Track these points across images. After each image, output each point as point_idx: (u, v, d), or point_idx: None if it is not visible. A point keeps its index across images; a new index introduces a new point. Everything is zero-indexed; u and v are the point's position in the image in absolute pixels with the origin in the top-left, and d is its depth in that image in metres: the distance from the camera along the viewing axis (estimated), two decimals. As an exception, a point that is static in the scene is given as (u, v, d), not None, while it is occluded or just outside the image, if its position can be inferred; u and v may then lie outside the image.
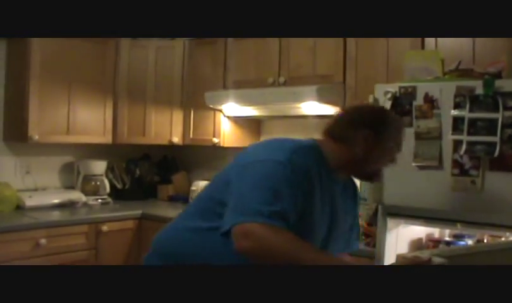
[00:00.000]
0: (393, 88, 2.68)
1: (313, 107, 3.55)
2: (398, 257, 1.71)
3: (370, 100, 2.71)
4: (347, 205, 2.00)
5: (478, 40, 2.85)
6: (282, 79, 3.72)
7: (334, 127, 1.94)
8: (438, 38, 2.98)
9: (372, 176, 1.98)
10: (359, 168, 1.92)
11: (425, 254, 1.65)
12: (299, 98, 3.48)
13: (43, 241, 3.44)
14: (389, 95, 2.67)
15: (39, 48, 3.87)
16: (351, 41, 3.42)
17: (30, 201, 3.97)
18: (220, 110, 4.08)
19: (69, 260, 3.57)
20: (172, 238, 1.92)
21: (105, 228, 3.81)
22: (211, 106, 3.98)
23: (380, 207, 2.73)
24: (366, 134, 1.84)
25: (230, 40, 4.06)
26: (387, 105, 2.63)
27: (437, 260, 1.60)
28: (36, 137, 3.88)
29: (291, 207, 1.68)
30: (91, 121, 4.17)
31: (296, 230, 1.65)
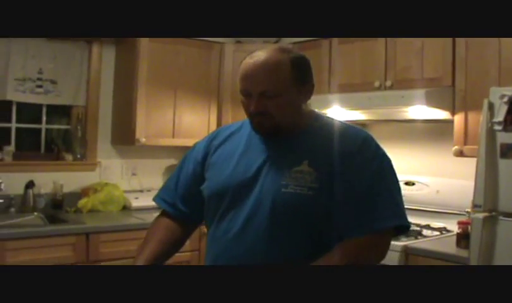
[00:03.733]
0: (509, 91, 2.57)
1: (421, 111, 3.42)
2: None
3: (484, 104, 2.59)
4: None
5: None
6: (388, 83, 3.61)
7: None
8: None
9: None
10: None
11: None
12: (408, 102, 3.36)
13: (148, 241, 3.49)
14: (505, 99, 2.55)
15: (146, 54, 3.98)
16: (460, 42, 3.27)
17: (136, 202, 4.08)
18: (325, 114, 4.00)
19: (174, 260, 3.61)
20: None
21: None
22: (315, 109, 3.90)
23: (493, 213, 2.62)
24: None
25: (335, 43, 3.99)
26: (503, 108, 2.52)
27: None
28: (143, 140, 3.99)
29: None
30: (195, 125, 4.23)
31: None
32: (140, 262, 1.75)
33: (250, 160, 1.76)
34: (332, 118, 1.82)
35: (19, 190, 3.79)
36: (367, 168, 1.66)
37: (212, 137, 1.92)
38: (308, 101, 1.79)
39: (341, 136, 1.72)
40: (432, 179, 3.83)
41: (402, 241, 3.21)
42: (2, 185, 3.55)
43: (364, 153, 1.68)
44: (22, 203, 3.80)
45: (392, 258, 3.16)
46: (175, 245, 1.92)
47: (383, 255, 1.70)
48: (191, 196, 1.90)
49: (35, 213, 3.73)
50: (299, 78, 1.69)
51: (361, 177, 1.65)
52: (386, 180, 1.69)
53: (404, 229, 1.70)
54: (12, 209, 3.75)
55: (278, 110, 1.67)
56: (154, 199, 1.99)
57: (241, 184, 1.73)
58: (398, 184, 1.72)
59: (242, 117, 1.82)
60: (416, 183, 3.83)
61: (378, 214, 1.63)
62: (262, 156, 1.74)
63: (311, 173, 1.65)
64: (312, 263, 1.59)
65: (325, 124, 1.78)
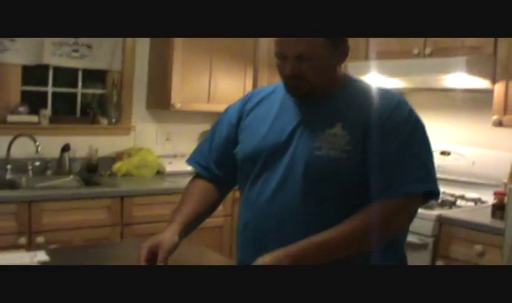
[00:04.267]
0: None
1: (460, 80, 3.35)
2: None
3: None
4: None
5: None
6: (428, 50, 3.54)
7: None
8: None
9: None
10: None
11: None
12: (447, 70, 3.30)
13: (182, 206, 3.53)
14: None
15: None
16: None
17: (170, 166, 4.11)
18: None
19: (207, 225, 3.64)
20: None
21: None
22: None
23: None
24: None
25: (372, 9, 3.92)
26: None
27: None
28: (178, 105, 3.99)
29: None
30: (231, 90, 4.21)
31: None
32: (176, 224, 1.76)
33: (284, 123, 1.75)
34: (366, 82, 1.80)
35: (55, 153, 3.84)
36: (399, 132, 1.64)
37: (245, 101, 1.91)
38: (343, 65, 1.77)
39: (375, 99, 1.69)
40: (469, 149, 3.78)
41: (436, 210, 3.19)
42: (39, 148, 3.60)
43: (397, 116, 1.66)
44: (58, 166, 3.85)
45: (426, 227, 3.15)
46: (210, 207, 1.93)
47: (410, 219, 1.70)
48: (224, 159, 1.91)
49: (71, 176, 3.78)
50: (334, 41, 1.66)
51: (392, 140, 1.63)
52: (418, 145, 1.67)
53: (433, 196, 1.68)
54: (49, 172, 3.82)
55: (313, 73, 1.65)
56: (188, 161, 2.00)
57: (274, 147, 1.73)
58: (431, 151, 1.70)
59: (278, 81, 1.81)
60: (452, 153, 3.78)
61: (407, 178, 1.61)
62: (295, 119, 1.73)
63: (345, 135, 1.64)
64: (337, 225, 1.59)
65: (359, 87, 1.76)
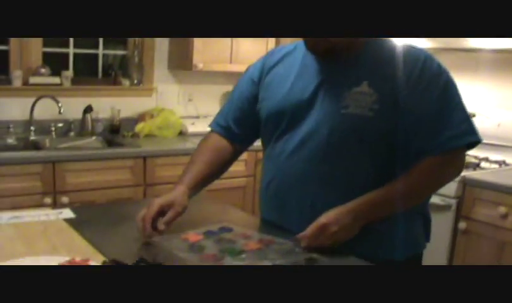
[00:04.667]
0: None
1: (487, 39, 3.28)
2: None
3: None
4: None
5: None
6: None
7: None
8: None
9: None
10: None
11: None
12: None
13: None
14: None
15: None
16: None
17: (192, 127, 4.11)
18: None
19: (229, 185, 3.67)
20: None
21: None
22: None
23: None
24: None
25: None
26: None
27: None
28: (201, 65, 3.98)
29: None
30: (253, 50, 4.16)
31: None
32: (186, 186, 1.76)
33: (306, 81, 1.73)
34: (390, 39, 1.76)
35: (78, 114, 3.86)
36: (435, 87, 1.62)
37: (266, 58, 1.90)
38: None
39: (401, 57, 1.67)
40: (494, 111, 3.72)
41: (460, 172, 3.17)
42: (62, 109, 3.61)
43: (428, 72, 1.63)
44: (81, 127, 3.87)
45: (449, 189, 3.13)
46: (222, 167, 1.93)
47: (460, 171, 1.73)
48: (245, 117, 1.91)
49: (94, 137, 3.80)
50: None
51: (430, 97, 1.61)
52: (455, 96, 1.65)
53: (474, 144, 1.68)
54: (72, 133, 3.84)
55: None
56: (210, 126, 2.00)
57: (298, 104, 1.72)
58: (463, 100, 1.69)
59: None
60: (477, 114, 3.73)
61: (452, 132, 1.61)
62: (318, 77, 1.71)
63: (372, 94, 1.62)
64: (390, 182, 1.63)
65: (383, 45, 1.73)
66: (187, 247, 1.61)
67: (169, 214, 1.66)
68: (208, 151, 1.90)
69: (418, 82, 1.61)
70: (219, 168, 1.91)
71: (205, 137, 1.97)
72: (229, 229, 1.78)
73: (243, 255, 1.55)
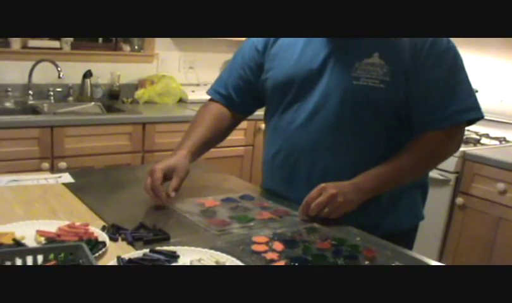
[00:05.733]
0: None
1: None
2: None
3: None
4: None
5: None
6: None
7: None
8: None
9: None
10: None
11: None
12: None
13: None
14: None
15: None
16: None
17: (193, 95, 4.09)
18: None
19: (227, 154, 3.67)
20: None
21: (263, 125, 3.84)
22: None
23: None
24: None
25: None
26: None
27: None
28: (202, 33, 3.94)
29: None
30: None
31: None
32: (187, 151, 1.76)
33: (314, 50, 1.71)
34: None
35: (77, 79, 3.83)
36: (443, 62, 1.62)
37: None
38: None
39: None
40: (497, 87, 3.70)
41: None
42: (61, 73, 3.58)
43: (438, 47, 1.62)
44: (80, 92, 3.84)
45: (448, 163, 3.13)
46: (221, 134, 1.93)
47: (459, 145, 1.75)
48: (246, 86, 1.89)
49: (93, 102, 3.78)
50: None
51: (439, 71, 1.62)
52: (461, 72, 1.66)
53: (475, 120, 1.69)
54: (71, 98, 3.81)
55: None
56: (208, 92, 1.98)
57: (306, 74, 1.71)
58: (468, 76, 1.69)
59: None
60: (479, 90, 3.71)
61: (457, 107, 1.62)
62: (326, 47, 1.69)
63: (383, 65, 1.61)
64: (393, 156, 1.64)
65: None
66: (199, 211, 1.63)
67: (175, 180, 1.67)
68: (208, 117, 1.89)
69: (428, 56, 1.61)
70: (219, 133, 1.91)
71: (205, 104, 1.96)
72: (251, 198, 1.78)
73: (252, 223, 1.56)
